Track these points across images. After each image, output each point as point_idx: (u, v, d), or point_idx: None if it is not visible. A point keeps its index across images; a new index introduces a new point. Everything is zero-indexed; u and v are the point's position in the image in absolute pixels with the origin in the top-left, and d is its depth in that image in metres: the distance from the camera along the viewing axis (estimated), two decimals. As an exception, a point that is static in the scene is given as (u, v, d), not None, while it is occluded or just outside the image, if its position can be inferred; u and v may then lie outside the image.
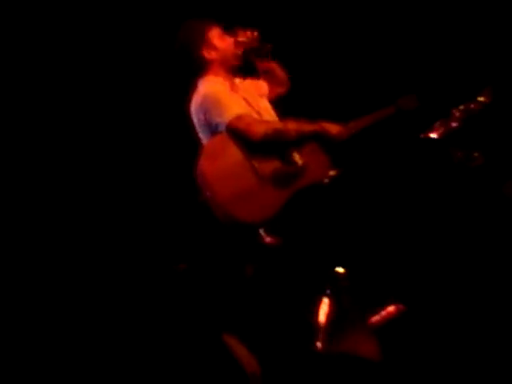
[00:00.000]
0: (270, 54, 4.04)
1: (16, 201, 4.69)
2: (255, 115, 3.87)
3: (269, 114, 4.00)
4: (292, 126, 3.82)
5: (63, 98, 4.81)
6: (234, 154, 3.70)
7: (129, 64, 4.88)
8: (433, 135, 4.07)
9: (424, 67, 4.73)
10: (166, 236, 4.78)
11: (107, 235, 4.77)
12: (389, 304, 3.82)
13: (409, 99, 4.13)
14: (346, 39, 4.86)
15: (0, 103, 4.70)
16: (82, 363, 3.94)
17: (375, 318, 3.82)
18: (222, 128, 3.73)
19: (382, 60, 4.83)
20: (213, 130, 3.78)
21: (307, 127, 3.85)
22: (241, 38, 3.91)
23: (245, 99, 3.91)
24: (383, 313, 3.82)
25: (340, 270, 3.85)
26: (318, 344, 3.71)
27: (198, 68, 3.91)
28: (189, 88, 3.91)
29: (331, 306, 3.80)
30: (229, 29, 3.93)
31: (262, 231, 3.85)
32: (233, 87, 3.93)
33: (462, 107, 4.02)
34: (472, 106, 4.01)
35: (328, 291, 3.82)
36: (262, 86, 4.12)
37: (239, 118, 3.72)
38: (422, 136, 4.09)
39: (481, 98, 4.01)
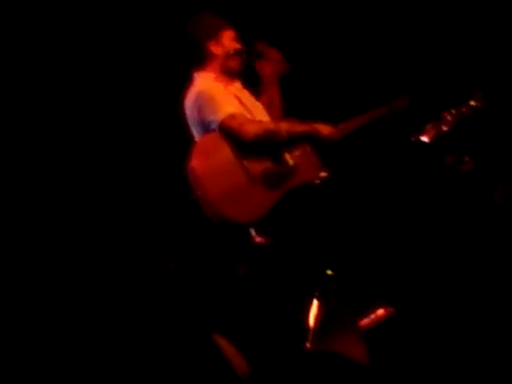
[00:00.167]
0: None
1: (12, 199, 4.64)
2: (248, 115, 3.85)
3: (262, 114, 3.99)
4: (284, 126, 3.82)
5: (53, 92, 4.76)
6: (225, 153, 3.69)
7: (120, 62, 4.86)
8: (424, 138, 4.07)
9: (417, 69, 4.74)
10: (156, 234, 4.75)
11: (97, 233, 4.73)
12: (378, 307, 3.82)
13: (401, 100, 4.13)
14: (338, 39, 4.86)
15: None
16: (71, 362, 3.91)
17: (365, 321, 3.81)
18: (215, 126, 3.72)
19: (375, 61, 4.83)
20: (206, 127, 3.77)
21: (298, 128, 3.85)
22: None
23: (238, 98, 3.89)
24: (373, 315, 3.82)
25: (329, 272, 3.85)
26: (308, 344, 3.69)
27: (199, 57, 3.91)
28: (184, 82, 3.91)
29: (320, 307, 3.79)
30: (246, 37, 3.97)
31: (252, 231, 3.84)
32: (227, 86, 3.91)
33: (453, 111, 4.02)
34: (463, 109, 4.02)
35: (317, 293, 3.81)
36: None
37: (232, 116, 3.71)
38: (412, 139, 4.09)
39: (472, 102, 4.01)
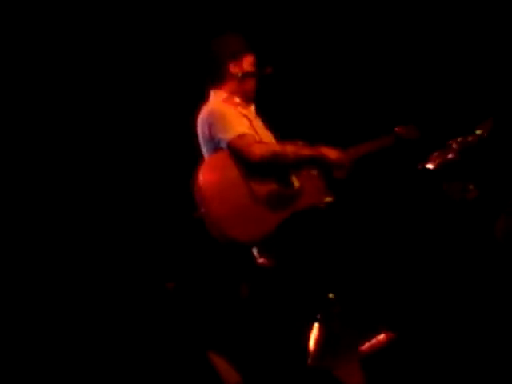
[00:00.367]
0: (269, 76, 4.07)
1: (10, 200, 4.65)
2: (257, 137, 3.87)
3: (269, 139, 4.01)
4: (290, 149, 3.83)
5: (67, 107, 4.79)
6: (232, 172, 3.71)
7: (132, 74, 4.88)
8: (429, 166, 4.10)
9: (424, 98, 4.76)
10: (159, 252, 4.75)
11: (99, 248, 4.73)
12: (380, 332, 3.81)
13: (409, 129, 4.16)
14: (346, 63, 4.90)
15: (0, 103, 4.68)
16: (66, 365, 3.90)
17: (365, 346, 3.80)
18: (224, 145, 3.75)
19: (382, 87, 4.86)
20: (215, 144, 3.80)
21: (306, 151, 3.86)
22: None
23: (249, 121, 3.91)
24: (374, 340, 3.81)
25: (332, 295, 3.85)
26: (308, 361, 3.70)
27: (218, 75, 3.97)
28: (196, 98, 3.96)
29: (322, 330, 3.79)
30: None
31: (255, 251, 3.85)
32: (238, 107, 3.94)
33: (459, 139, 4.05)
34: (470, 138, 4.04)
35: (319, 316, 3.81)
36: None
37: (241, 137, 3.74)
38: (418, 166, 4.12)
39: (479, 131, 4.04)
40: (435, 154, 4.10)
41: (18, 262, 4.60)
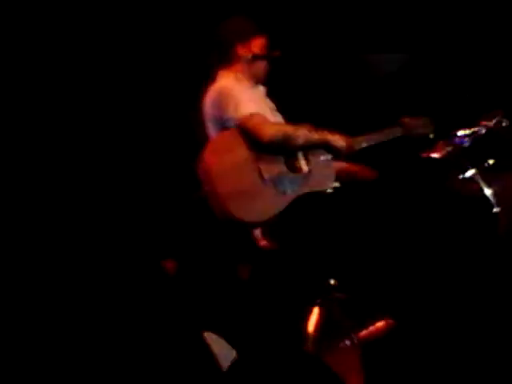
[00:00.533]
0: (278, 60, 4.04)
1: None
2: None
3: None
4: (301, 132, 3.80)
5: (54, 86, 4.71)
6: (241, 151, 3.68)
7: (129, 55, 4.81)
8: (434, 155, 4.09)
9: (432, 88, 4.75)
10: (160, 230, 4.71)
11: (99, 228, 4.67)
12: (379, 319, 3.80)
13: (420, 122, 4.13)
14: (353, 53, 4.86)
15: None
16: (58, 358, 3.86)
17: (364, 333, 3.80)
18: (233, 123, 3.72)
19: (391, 77, 4.84)
20: (224, 124, 3.77)
21: (315, 136, 3.83)
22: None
23: (258, 102, 3.87)
24: (373, 327, 3.80)
25: (333, 281, 3.84)
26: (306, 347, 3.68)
27: (226, 57, 3.94)
28: (201, 80, 3.93)
29: (321, 316, 3.78)
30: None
31: (258, 233, 3.82)
32: (248, 89, 3.91)
33: (466, 130, 4.04)
34: (477, 129, 4.03)
35: (319, 301, 3.79)
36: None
37: (252, 116, 3.71)
38: (423, 155, 4.10)
39: (486, 122, 4.03)
40: (441, 143, 4.10)
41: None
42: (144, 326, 4.04)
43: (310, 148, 3.83)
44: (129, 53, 4.80)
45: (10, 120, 4.61)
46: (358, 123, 4.18)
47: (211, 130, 3.85)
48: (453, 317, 3.76)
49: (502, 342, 3.55)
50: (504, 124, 3.98)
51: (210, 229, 4.00)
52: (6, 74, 4.60)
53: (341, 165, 4.01)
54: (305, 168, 3.80)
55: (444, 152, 4.08)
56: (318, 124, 3.87)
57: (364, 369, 3.56)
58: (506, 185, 4.03)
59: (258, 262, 3.94)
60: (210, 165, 3.63)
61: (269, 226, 3.77)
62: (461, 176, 4.03)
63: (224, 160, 3.65)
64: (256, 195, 3.65)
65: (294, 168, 3.77)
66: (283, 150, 3.74)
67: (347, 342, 3.76)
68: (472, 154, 4.05)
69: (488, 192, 3.98)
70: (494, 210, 3.96)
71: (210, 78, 3.95)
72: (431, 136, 4.14)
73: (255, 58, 3.92)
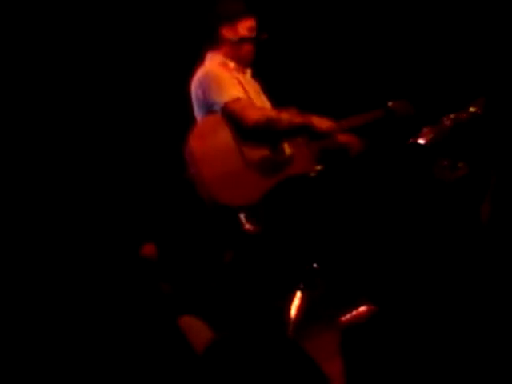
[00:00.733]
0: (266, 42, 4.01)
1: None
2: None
3: (264, 104, 3.98)
4: (285, 116, 3.81)
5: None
6: (224, 135, 3.69)
7: (116, 38, 4.78)
8: (420, 141, 4.08)
9: (418, 73, 4.74)
10: (144, 212, 4.70)
11: (88, 213, 4.66)
12: (361, 304, 3.81)
13: (402, 104, 4.13)
14: (341, 38, 4.86)
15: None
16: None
17: (346, 317, 3.80)
18: (218, 108, 3.72)
19: (377, 63, 4.83)
20: (209, 108, 3.77)
21: (298, 119, 3.84)
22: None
23: (242, 86, 3.87)
24: (354, 312, 3.81)
25: (316, 265, 3.84)
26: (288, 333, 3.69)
27: (212, 39, 3.92)
28: (192, 61, 3.92)
29: (304, 300, 3.78)
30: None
31: (242, 217, 3.82)
32: (232, 71, 3.90)
33: (452, 116, 4.03)
34: (463, 115, 4.03)
35: (302, 286, 3.80)
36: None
37: (236, 100, 3.72)
38: (409, 141, 4.10)
39: (472, 109, 4.02)
40: (427, 129, 4.08)
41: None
42: (119, 312, 4.02)
43: (293, 132, 3.83)
44: (115, 35, 4.76)
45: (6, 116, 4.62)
46: (344, 106, 4.18)
47: (197, 112, 3.85)
48: (435, 304, 3.77)
49: (482, 330, 3.56)
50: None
51: (195, 212, 4.01)
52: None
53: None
54: (288, 151, 3.81)
55: (430, 138, 4.07)
56: (303, 105, 3.87)
57: (343, 354, 3.55)
58: None
59: (243, 246, 3.95)
60: (195, 149, 3.64)
61: (253, 210, 3.78)
62: (446, 162, 4.03)
63: (208, 144, 3.67)
64: (240, 179, 3.67)
65: (277, 152, 3.78)
66: (267, 135, 3.75)
67: (328, 327, 3.77)
68: (458, 140, 4.05)
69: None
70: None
71: (199, 59, 3.94)
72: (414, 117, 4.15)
73: (242, 40, 3.89)
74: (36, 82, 4.65)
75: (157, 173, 4.74)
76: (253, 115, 3.70)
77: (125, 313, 3.88)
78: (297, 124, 3.83)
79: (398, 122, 4.12)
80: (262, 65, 4.02)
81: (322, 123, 3.88)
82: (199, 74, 3.84)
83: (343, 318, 3.79)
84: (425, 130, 4.09)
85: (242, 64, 3.96)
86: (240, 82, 3.86)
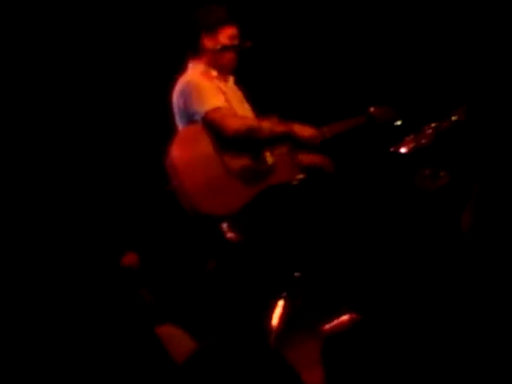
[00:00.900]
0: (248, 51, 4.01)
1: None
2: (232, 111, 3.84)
3: (246, 112, 3.99)
4: (266, 125, 3.81)
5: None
6: (205, 145, 3.69)
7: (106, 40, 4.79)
8: (402, 149, 4.09)
9: (399, 82, 4.76)
10: (127, 223, 4.69)
11: (69, 222, 4.65)
12: (343, 313, 3.81)
13: (384, 110, 4.14)
14: (323, 45, 4.87)
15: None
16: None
17: (328, 326, 3.80)
18: (199, 117, 3.72)
19: (357, 71, 4.84)
20: (190, 117, 3.77)
21: (280, 128, 3.84)
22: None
23: (224, 94, 3.87)
24: (336, 321, 3.81)
25: (298, 274, 3.84)
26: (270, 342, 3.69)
27: (192, 47, 3.92)
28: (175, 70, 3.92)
29: (286, 309, 3.78)
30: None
31: (224, 226, 3.82)
32: (214, 80, 3.90)
33: (434, 124, 4.05)
34: (444, 124, 4.04)
35: (284, 294, 3.80)
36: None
37: (217, 109, 3.72)
38: (391, 149, 4.11)
39: (454, 117, 4.04)
40: (409, 137, 4.10)
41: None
42: (98, 321, 4.01)
43: (275, 140, 3.84)
44: (95, 45, 4.75)
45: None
46: (326, 113, 4.19)
47: (179, 122, 3.85)
48: (417, 313, 3.78)
49: (465, 334, 3.56)
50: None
51: (176, 220, 4.01)
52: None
53: (306, 157, 4.01)
54: (270, 160, 3.82)
55: (412, 147, 4.09)
56: (285, 112, 3.88)
57: (324, 363, 3.55)
58: None
59: (225, 255, 3.95)
60: (176, 159, 3.64)
61: (235, 219, 3.78)
62: (427, 171, 4.05)
63: (189, 154, 3.67)
64: (222, 189, 3.68)
65: (259, 161, 3.79)
66: (248, 144, 3.75)
67: (310, 336, 3.77)
68: (440, 149, 4.06)
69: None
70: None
71: (180, 68, 3.94)
72: (398, 123, 4.15)
73: (223, 49, 3.89)
74: (19, 90, 4.64)
75: (139, 182, 4.73)
76: (233, 124, 3.70)
77: (105, 322, 3.88)
78: (278, 133, 3.84)
79: (380, 128, 4.13)
80: (245, 72, 4.02)
81: (303, 131, 3.89)
82: (180, 83, 3.84)
83: (325, 327, 3.80)
84: (406, 138, 4.10)
85: (224, 72, 3.95)
86: (222, 91, 3.86)
